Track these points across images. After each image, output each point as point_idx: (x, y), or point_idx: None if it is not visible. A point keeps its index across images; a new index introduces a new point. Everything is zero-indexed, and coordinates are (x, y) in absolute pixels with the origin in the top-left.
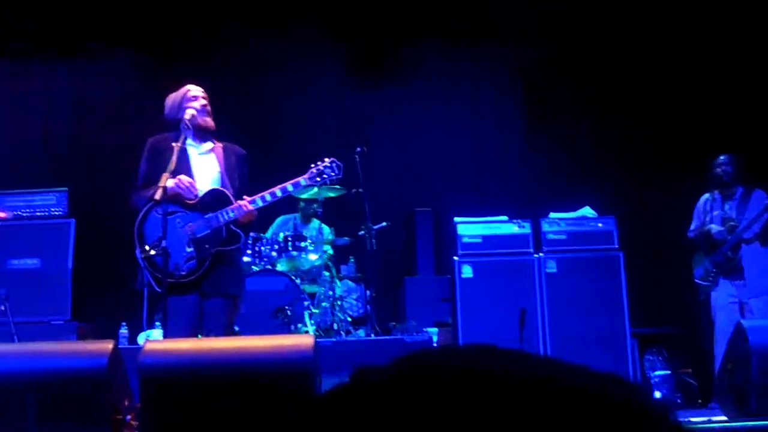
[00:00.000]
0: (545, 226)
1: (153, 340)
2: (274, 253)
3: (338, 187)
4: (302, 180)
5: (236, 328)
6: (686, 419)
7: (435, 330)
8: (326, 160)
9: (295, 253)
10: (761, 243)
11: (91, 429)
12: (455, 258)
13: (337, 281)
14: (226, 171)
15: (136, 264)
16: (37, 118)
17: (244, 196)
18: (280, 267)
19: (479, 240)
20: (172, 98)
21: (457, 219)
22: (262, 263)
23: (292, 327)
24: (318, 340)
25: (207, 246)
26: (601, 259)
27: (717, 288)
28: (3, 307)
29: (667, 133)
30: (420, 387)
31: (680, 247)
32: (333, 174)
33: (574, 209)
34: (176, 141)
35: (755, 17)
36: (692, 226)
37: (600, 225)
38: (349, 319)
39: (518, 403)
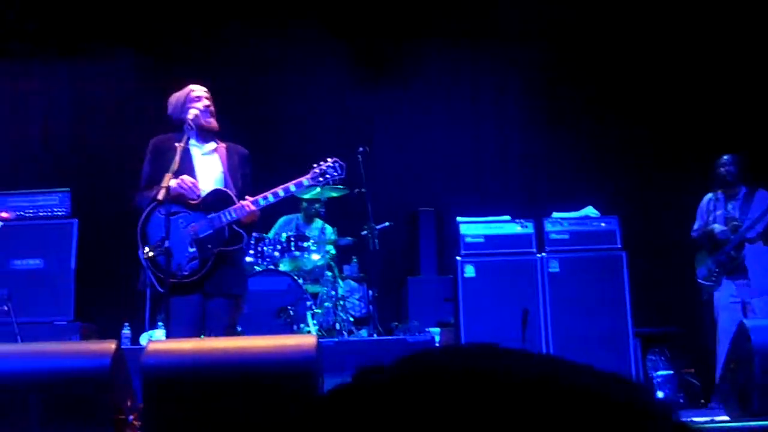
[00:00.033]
0: (548, 226)
1: (155, 340)
2: (276, 253)
3: (341, 187)
4: (305, 180)
5: (239, 328)
6: (689, 419)
7: (437, 330)
8: (329, 160)
9: (297, 253)
10: (764, 242)
11: (93, 429)
12: (458, 258)
13: (340, 281)
14: (228, 171)
15: (138, 264)
16: (37, 118)
17: (247, 197)
18: (283, 267)
19: (482, 240)
20: (176, 98)
21: (459, 219)
22: (265, 263)
23: (295, 327)
24: (320, 340)
25: (209, 246)
26: (604, 259)
27: (720, 288)
28: (6, 308)
29: (670, 132)
30: (422, 387)
31: (683, 247)
32: (336, 174)
33: (577, 209)
34: (179, 141)
35: (757, 16)
36: (695, 226)
37: (603, 225)
38: (352, 319)
39: (520, 403)
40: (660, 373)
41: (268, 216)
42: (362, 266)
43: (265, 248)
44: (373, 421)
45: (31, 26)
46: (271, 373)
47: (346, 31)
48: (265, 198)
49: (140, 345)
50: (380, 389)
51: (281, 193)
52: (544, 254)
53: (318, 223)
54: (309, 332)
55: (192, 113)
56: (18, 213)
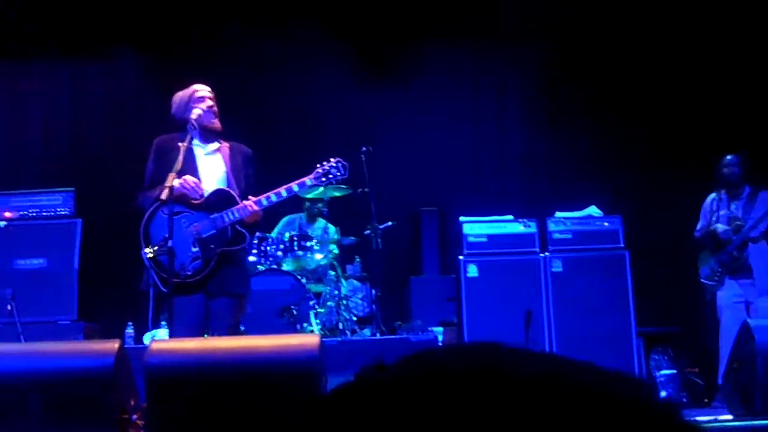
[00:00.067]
0: (551, 226)
1: (159, 339)
2: (279, 253)
3: (344, 186)
4: (308, 180)
5: (242, 328)
6: (692, 418)
7: (440, 329)
8: (332, 160)
9: (300, 252)
10: None
11: (97, 428)
12: (461, 257)
13: (343, 281)
14: (232, 171)
15: (141, 264)
16: (37, 118)
17: (250, 197)
18: (286, 266)
19: (485, 239)
20: (180, 97)
21: (462, 218)
22: (268, 263)
23: (298, 326)
24: (323, 339)
25: (212, 246)
26: (607, 259)
27: (723, 287)
28: (9, 307)
29: (674, 132)
30: (424, 385)
31: (686, 247)
32: (339, 174)
33: (580, 208)
34: (183, 141)
35: (759, 12)
36: (698, 226)
37: (606, 224)
38: (355, 318)
39: (524, 401)
40: (663, 372)
41: (270, 215)
42: (365, 266)
43: (268, 248)
44: (376, 419)
45: (31, 26)
46: (275, 372)
47: (347, 31)
48: (268, 198)
49: (143, 344)
50: (382, 388)
51: (284, 194)
52: (547, 254)
53: (321, 222)
54: (312, 332)
55: (195, 113)
56: (21, 213)
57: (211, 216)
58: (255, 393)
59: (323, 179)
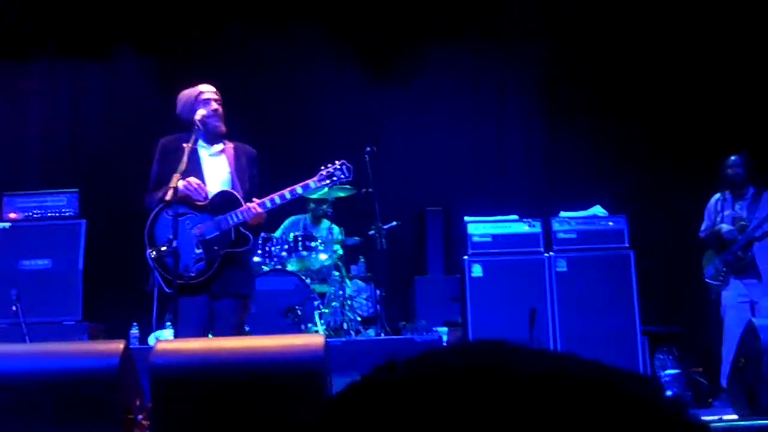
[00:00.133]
0: (555, 225)
1: (164, 340)
2: (284, 253)
3: (348, 187)
4: (312, 182)
5: (246, 328)
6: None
7: (445, 329)
8: (336, 162)
9: (305, 253)
10: None
11: (102, 429)
12: (465, 257)
13: (347, 281)
14: (236, 172)
15: (146, 265)
16: (37, 118)
17: (254, 199)
18: (290, 267)
19: (489, 239)
20: (185, 97)
21: (467, 218)
22: (272, 263)
23: (303, 327)
24: (328, 339)
25: (216, 248)
26: (612, 258)
27: (727, 287)
28: (15, 308)
29: (677, 132)
30: (429, 385)
31: (691, 246)
32: (343, 176)
33: (585, 208)
34: (187, 142)
35: (763, 13)
36: (703, 226)
37: (610, 224)
38: (359, 318)
39: (529, 399)
40: (668, 372)
41: (275, 216)
42: (369, 266)
43: (272, 248)
44: (382, 419)
45: (31, 26)
46: (279, 372)
47: (347, 31)
48: (272, 200)
49: (148, 345)
50: (389, 387)
51: (288, 196)
52: (551, 253)
53: (325, 223)
54: (317, 332)
55: (200, 114)
56: (26, 213)
57: (215, 218)
58: (260, 393)
59: (327, 181)
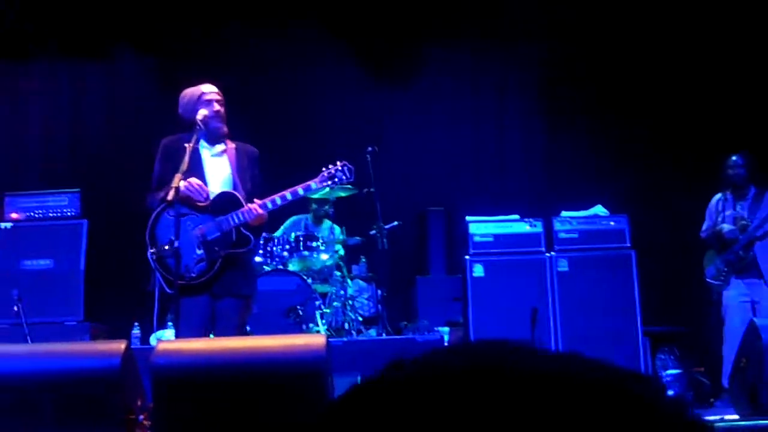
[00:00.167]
0: (557, 225)
1: (165, 340)
2: (285, 253)
3: (350, 186)
4: (313, 183)
5: (248, 328)
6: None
7: (446, 329)
8: (338, 163)
9: (306, 252)
10: None
11: (104, 429)
12: (467, 257)
13: (349, 281)
14: (237, 173)
15: (148, 265)
16: (37, 118)
17: (255, 200)
18: (292, 267)
19: (491, 239)
20: (187, 97)
21: (468, 218)
22: (274, 263)
23: (304, 327)
24: (329, 339)
25: (217, 248)
26: (613, 258)
27: (729, 287)
28: (16, 308)
29: (678, 131)
30: (430, 385)
31: (693, 246)
32: (344, 178)
33: (586, 208)
34: (189, 142)
35: (763, 12)
36: (704, 227)
37: (612, 223)
38: (361, 318)
39: (531, 398)
40: (669, 372)
41: (276, 216)
42: (371, 266)
43: (274, 248)
44: (389, 418)
45: (31, 26)
46: (281, 372)
47: (347, 31)
48: (273, 201)
49: (150, 345)
50: (395, 387)
51: (289, 197)
52: (553, 253)
53: (327, 223)
54: (318, 332)
55: (201, 114)
56: (28, 214)
57: (217, 218)
58: (261, 393)
59: (329, 182)
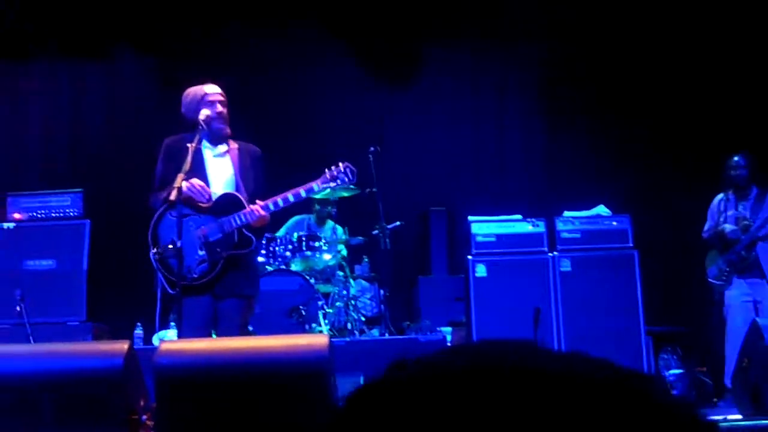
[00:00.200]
0: (559, 225)
1: (168, 340)
2: (288, 253)
3: (352, 186)
4: (315, 185)
5: (250, 328)
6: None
7: (449, 329)
8: (340, 164)
9: (309, 252)
10: None
11: (107, 429)
12: (469, 257)
13: (351, 281)
14: (240, 173)
15: (151, 265)
16: (37, 118)
17: (257, 201)
18: (295, 267)
19: (493, 239)
20: (190, 96)
21: (470, 218)
22: (277, 263)
23: (307, 327)
24: (332, 339)
25: (219, 250)
26: (616, 258)
27: (731, 287)
28: (19, 308)
29: (678, 131)
30: (429, 386)
31: (695, 246)
32: (347, 179)
33: (589, 208)
34: (191, 141)
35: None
36: (706, 227)
37: (614, 223)
38: (363, 318)
39: (535, 397)
40: (672, 371)
41: (279, 216)
42: (373, 266)
43: (276, 248)
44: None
45: (31, 26)
46: (284, 372)
47: (347, 31)
48: (275, 203)
49: (152, 345)
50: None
51: (291, 198)
52: (555, 253)
53: (329, 223)
54: (321, 332)
55: (204, 114)
56: (30, 214)
57: (219, 220)
58: (264, 393)
59: (331, 183)
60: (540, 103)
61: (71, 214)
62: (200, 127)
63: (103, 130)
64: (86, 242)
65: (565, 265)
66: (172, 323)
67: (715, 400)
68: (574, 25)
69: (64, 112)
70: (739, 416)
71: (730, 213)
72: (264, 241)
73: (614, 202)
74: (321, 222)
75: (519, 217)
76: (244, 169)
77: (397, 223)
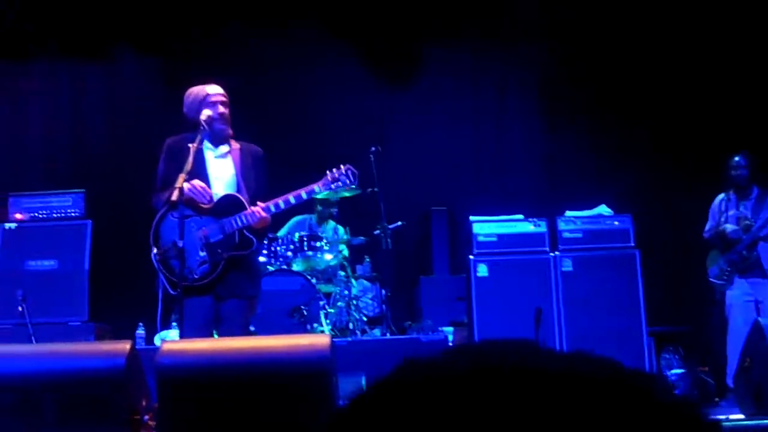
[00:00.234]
0: (561, 225)
1: (169, 340)
2: (289, 253)
3: (353, 186)
4: (316, 187)
5: (252, 328)
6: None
7: (450, 329)
8: (342, 167)
9: (310, 252)
10: None
11: (109, 429)
12: (471, 257)
13: (353, 281)
14: (241, 174)
15: (153, 266)
16: (37, 118)
17: (258, 202)
18: (296, 267)
19: (494, 239)
20: (192, 96)
21: (472, 218)
22: (278, 263)
23: (308, 327)
24: (334, 339)
25: (220, 251)
26: (617, 258)
27: (732, 287)
28: (21, 308)
29: (679, 131)
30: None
31: (697, 246)
32: (348, 182)
33: (590, 207)
34: (192, 142)
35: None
36: (707, 227)
37: (616, 223)
38: (365, 318)
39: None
40: (674, 371)
41: (281, 216)
42: (375, 266)
43: (278, 248)
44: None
45: (31, 26)
46: (285, 372)
47: (347, 31)
48: (276, 205)
49: (154, 345)
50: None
51: (292, 200)
52: (557, 253)
53: (331, 223)
54: (322, 332)
55: (205, 114)
56: (32, 214)
57: (220, 221)
58: (266, 393)
59: (332, 186)
60: (540, 103)
61: (73, 214)
62: (202, 128)
63: (103, 131)
64: (88, 242)
65: (567, 265)
66: (174, 323)
67: (717, 399)
68: (574, 25)
69: (65, 112)
70: (741, 416)
71: (731, 213)
72: (265, 241)
73: (615, 202)
74: (322, 222)
75: (520, 216)
76: (245, 170)
77: (399, 223)
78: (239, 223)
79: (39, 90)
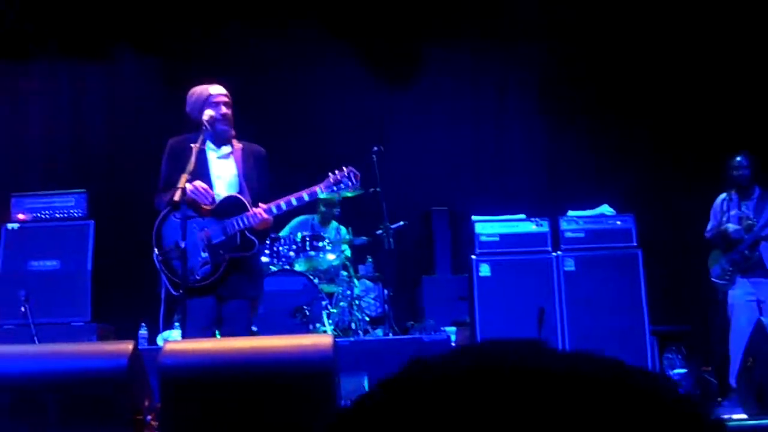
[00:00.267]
0: (563, 224)
1: (172, 340)
2: (292, 253)
3: (356, 188)
4: (318, 189)
5: (254, 328)
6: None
7: (453, 329)
8: (344, 169)
9: (313, 252)
10: None
11: (111, 429)
12: (473, 257)
13: (355, 281)
14: (243, 175)
15: (155, 266)
16: (37, 118)
17: (260, 204)
18: (298, 267)
19: (497, 238)
20: (195, 96)
21: (474, 217)
22: (280, 263)
23: (311, 327)
24: (336, 339)
25: (222, 252)
26: (620, 257)
27: (734, 286)
28: (23, 309)
29: (679, 131)
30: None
31: (700, 245)
32: (350, 184)
33: (593, 207)
34: (195, 142)
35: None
36: (709, 227)
37: (618, 223)
38: (367, 318)
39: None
40: (677, 371)
41: (283, 216)
42: (377, 266)
43: (280, 248)
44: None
45: (31, 26)
46: (288, 372)
47: (347, 31)
48: (278, 206)
49: (157, 345)
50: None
51: (294, 202)
52: (559, 252)
53: (333, 223)
54: (325, 332)
55: (207, 114)
56: (34, 214)
57: (222, 222)
58: (268, 393)
59: (334, 188)
60: (540, 103)
61: (75, 214)
62: (204, 128)
63: (103, 131)
64: (90, 242)
65: (569, 265)
66: (177, 323)
67: (719, 399)
68: (574, 25)
69: (65, 112)
70: (744, 415)
71: (733, 213)
72: (268, 241)
73: (613, 202)
74: (325, 222)
75: (523, 216)
76: (248, 170)
77: (401, 222)
78: (241, 225)
79: (39, 90)
